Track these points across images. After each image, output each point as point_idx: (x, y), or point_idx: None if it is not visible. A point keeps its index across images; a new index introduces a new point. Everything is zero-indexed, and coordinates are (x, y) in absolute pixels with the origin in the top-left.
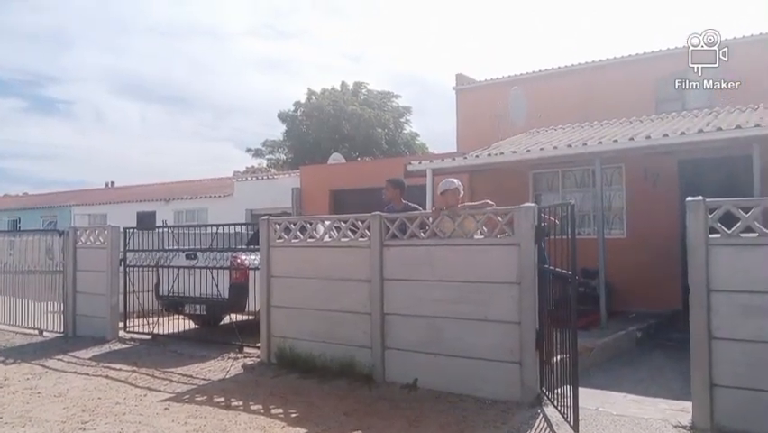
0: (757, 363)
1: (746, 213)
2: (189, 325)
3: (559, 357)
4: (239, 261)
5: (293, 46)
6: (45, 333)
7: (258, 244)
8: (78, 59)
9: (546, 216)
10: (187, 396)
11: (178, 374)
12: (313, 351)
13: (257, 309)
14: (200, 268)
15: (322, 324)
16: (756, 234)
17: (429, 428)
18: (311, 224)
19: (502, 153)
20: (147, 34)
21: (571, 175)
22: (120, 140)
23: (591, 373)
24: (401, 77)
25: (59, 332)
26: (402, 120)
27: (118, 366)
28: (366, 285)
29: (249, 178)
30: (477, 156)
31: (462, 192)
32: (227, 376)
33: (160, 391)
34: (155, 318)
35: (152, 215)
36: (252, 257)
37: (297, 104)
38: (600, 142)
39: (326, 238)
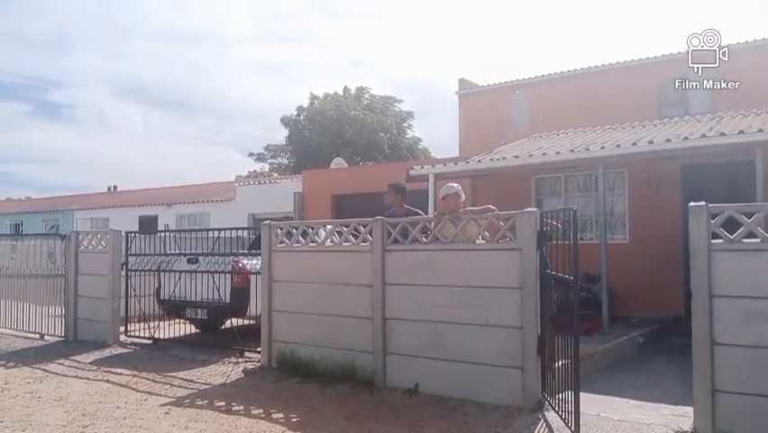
0: (759, 369)
1: (749, 218)
2: (190, 329)
3: (560, 362)
4: (240, 265)
5: (294, 50)
6: (46, 337)
7: (259, 249)
8: (81, 63)
9: (549, 221)
10: (188, 400)
11: (179, 379)
12: (314, 355)
13: (258, 314)
14: (202, 272)
15: (323, 328)
16: (759, 240)
17: None
18: (313, 228)
19: (504, 158)
20: (149, 39)
21: (574, 180)
22: (123, 144)
23: (593, 379)
24: (403, 81)
25: (61, 336)
26: (404, 125)
27: (119, 370)
28: (368, 290)
29: (251, 182)
30: (479, 161)
31: (464, 197)
32: (228, 381)
33: (160, 395)
34: (156, 323)
35: (154, 219)
36: (254, 261)
37: (300, 108)
38: (603, 147)
39: (328, 243)
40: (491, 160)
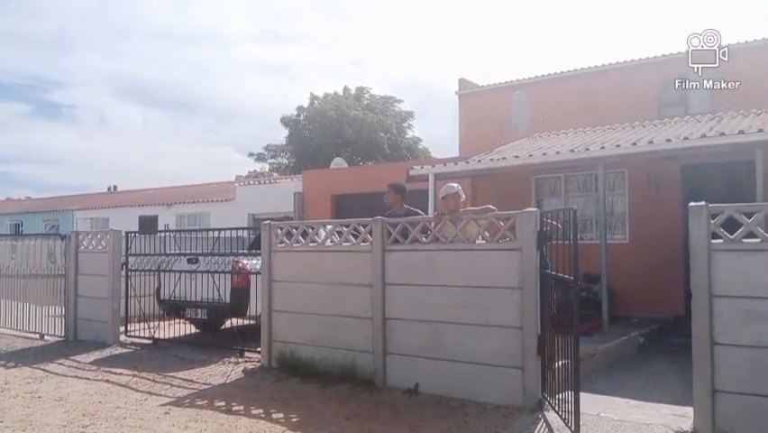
0: (759, 369)
1: (749, 218)
2: (190, 329)
3: (560, 362)
4: (240, 265)
5: (294, 50)
6: (46, 337)
7: (259, 249)
8: (81, 63)
9: (549, 221)
10: (188, 400)
11: (179, 379)
12: (314, 355)
13: (258, 314)
14: (202, 272)
15: (323, 328)
16: (759, 240)
17: None
18: (313, 228)
19: (504, 158)
20: (149, 39)
21: (574, 180)
22: (123, 144)
23: (593, 379)
24: (403, 81)
25: (61, 336)
26: (404, 125)
27: (119, 370)
28: (368, 290)
29: (251, 182)
30: (479, 161)
31: (464, 197)
32: (228, 381)
33: (160, 395)
34: (156, 323)
35: (154, 219)
36: (254, 261)
37: (300, 108)
38: (603, 147)
39: (328, 243)
40: (491, 160)
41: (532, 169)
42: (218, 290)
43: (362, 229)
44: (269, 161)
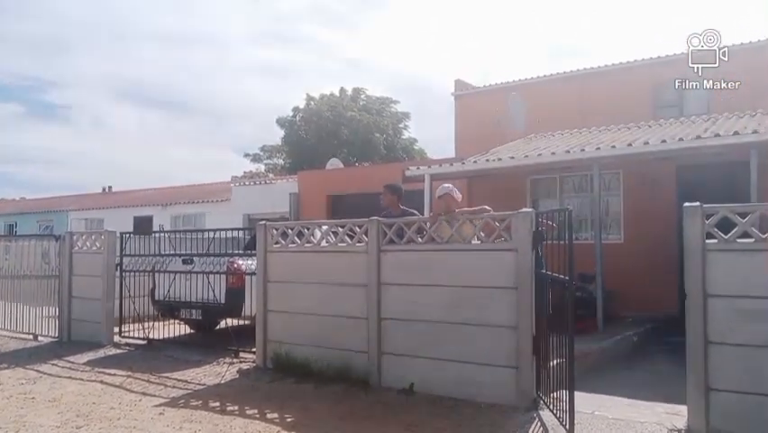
0: (752, 368)
1: (743, 218)
2: (185, 330)
3: (555, 362)
4: (236, 265)
5: (291, 52)
6: (40, 337)
7: (255, 249)
8: (77, 64)
9: (544, 222)
10: (182, 401)
11: (174, 379)
12: (309, 356)
13: (253, 314)
14: (197, 273)
15: (318, 329)
16: (753, 240)
17: None
18: (308, 229)
19: (500, 159)
20: (145, 40)
21: (569, 180)
22: (118, 145)
23: (588, 378)
24: (400, 82)
25: (54, 337)
26: (400, 125)
27: (113, 371)
28: (363, 290)
29: (247, 183)
30: (475, 162)
31: (460, 196)
32: (223, 381)
33: (155, 396)
34: (151, 323)
35: (149, 219)
36: (249, 262)
37: (296, 109)
38: (598, 148)
39: (324, 243)
40: (487, 161)
41: (527, 169)
42: (213, 291)
43: (358, 230)
44: (265, 161)
